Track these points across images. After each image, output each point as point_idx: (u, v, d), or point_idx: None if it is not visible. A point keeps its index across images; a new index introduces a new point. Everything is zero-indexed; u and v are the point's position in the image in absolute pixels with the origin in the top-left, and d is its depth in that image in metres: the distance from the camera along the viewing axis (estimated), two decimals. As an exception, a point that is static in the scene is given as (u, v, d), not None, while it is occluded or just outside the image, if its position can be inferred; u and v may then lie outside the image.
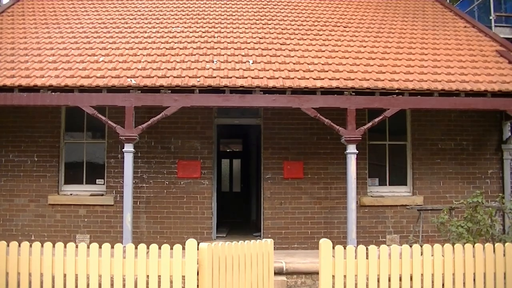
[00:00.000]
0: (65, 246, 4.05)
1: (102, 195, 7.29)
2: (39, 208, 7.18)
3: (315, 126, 7.34)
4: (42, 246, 4.07)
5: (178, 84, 6.06)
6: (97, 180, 7.42)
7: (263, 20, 8.44)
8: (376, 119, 6.27)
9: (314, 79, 6.32)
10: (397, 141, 7.70)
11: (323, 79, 6.32)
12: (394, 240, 7.21)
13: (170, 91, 6.10)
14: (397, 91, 6.23)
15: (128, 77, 6.18)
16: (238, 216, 11.45)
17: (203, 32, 7.83)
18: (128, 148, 6.04)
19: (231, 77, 6.24)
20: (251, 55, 7.01)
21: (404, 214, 7.30)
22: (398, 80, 6.40)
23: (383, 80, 6.39)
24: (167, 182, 7.33)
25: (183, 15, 8.56)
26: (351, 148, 6.13)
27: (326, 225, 7.30)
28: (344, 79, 6.34)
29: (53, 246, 4.06)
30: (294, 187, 7.38)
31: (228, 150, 14.09)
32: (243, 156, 13.06)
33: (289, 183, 7.38)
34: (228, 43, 7.43)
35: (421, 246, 4.10)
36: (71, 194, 7.32)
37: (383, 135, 7.64)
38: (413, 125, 7.62)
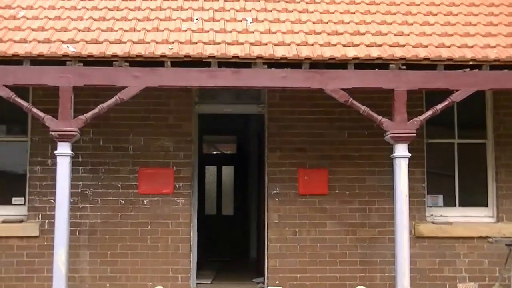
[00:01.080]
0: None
1: (21, 221, 7.19)
2: None
3: (345, 117, 7.30)
4: None
5: (140, 53, 5.94)
6: (13, 198, 7.36)
7: (267, -43, 8.36)
8: (439, 106, 6.11)
9: (344, 45, 6.21)
10: (471, 139, 7.67)
11: (357, 45, 6.23)
12: (469, 290, 7.23)
13: (128, 64, 5.97)
14: (471, 63, 6.10)
15: (63, 42, 6.07)
16: (230, 252, 11.34)
17: (177, -25, 7.75)
18: (64, 149, 5.89)
19: (219, 43, 6.13)
20: (250, 10, 6.90)
21: (485, 251, 7.26)
22: (472, 47, 6.31)
23: (449, 47, 6.29)
24: (122, 201, 7.24)
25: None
26: (401, 150, 5.99)
27: (364, 265, 7.22)
28: (390, 46, 6.24)
29: None
30: (315, 208, 7.30)
31: (215, 153, 13.97)
32: (237, 162, 12.98)
33: (307, 202, 7.31)
34: (215, -9, 7.36)
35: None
36: (-28, 221, 7.22)
37: (449, 130, 7.56)
38: (497, 114, 7.60)
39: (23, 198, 7.29)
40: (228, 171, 13.24)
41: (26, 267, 7.04)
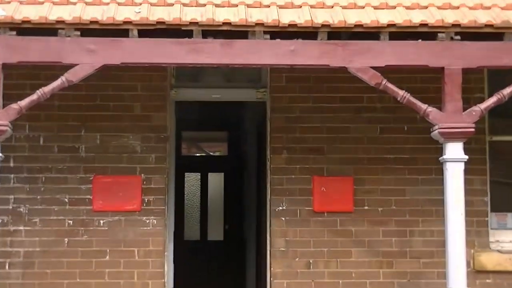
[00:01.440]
0: None
1: None
2: None
3: (377, 105, 7.45)
4: None
5: (95, 18, 5.92)
6: None
7: None
8: (507, 90, 6.09)
9: (375, 8, 6.21)
10: None
11: (393, 7, 6.23)
12: None
13: (78, 33, 5.96)
14: None
15: None
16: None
17: None
18: None
19: (204, 5, 6.15)
20: (246, -42, 6.95)
21: None
22: None
23: None
24: (70, 222, 7.31)
25: None
26: (454, 151, 5.97)
27: None
28: (438, 8, 6.24)
29: None
30: (336, 232, 7.40)
31: (199, 155, 14.01)
32: (229, 167, 12.99)
33: (325, 223, 7.42)
34: None
35: None
36: None
37: None
38: None
39: None
40: (216, 180, 13.24)
41: None
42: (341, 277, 7.35)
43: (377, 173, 7.48)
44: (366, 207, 7.45)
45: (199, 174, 13.22)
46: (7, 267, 7.15)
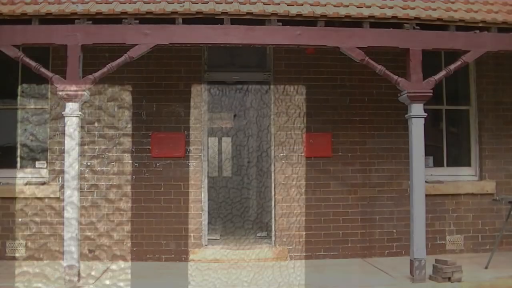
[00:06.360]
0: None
1: (44, 183, 5.72)
2: None
3: (346, 83, 5.99)
4: None
5: (150, 9, 4.59)
6: (37, 162, 5.90)
7: None
8: (452, 66, 4.86)
9: (357, 6, 4.88)
10: (457, 106, 6.37)
11: (370, 7, 4.91)
12: (457, 242, 6.03)
13: (137, 22, 4.60)
14: (481, 25, 4.86)
15: (73, 3, 4.73)
16: (232, 209, 10.02)
17: None
18: (71, 109, 4.52)
19: (231, 2, 4.75)
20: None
21: (470, 207, 6.11)
22: (477, 11, 5.05)
23: (456, 11, 5.01)
24: (136, 164, 5.84)
25: None
26: (417, 110, 4.71)
27: (364, 223, 5.94)
28: (401, 8, 4.94)
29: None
30: (320, 170, 5.95)
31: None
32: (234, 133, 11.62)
33: (313, 164, 5.95)
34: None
35: None
36: (-2, 183, 5.74)
37: (438, 97, 6.16)
38: (480, 83, 6.30)
39: (45, 162, 5.83)
40: (228, 140, 11.87)
41: (48, 227, 5.67)
42: (323, 201, 5.92)
43: (347, 130, 6.01)
44: (340, 153, 5.98)
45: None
46: (95, 195, 5.74)
